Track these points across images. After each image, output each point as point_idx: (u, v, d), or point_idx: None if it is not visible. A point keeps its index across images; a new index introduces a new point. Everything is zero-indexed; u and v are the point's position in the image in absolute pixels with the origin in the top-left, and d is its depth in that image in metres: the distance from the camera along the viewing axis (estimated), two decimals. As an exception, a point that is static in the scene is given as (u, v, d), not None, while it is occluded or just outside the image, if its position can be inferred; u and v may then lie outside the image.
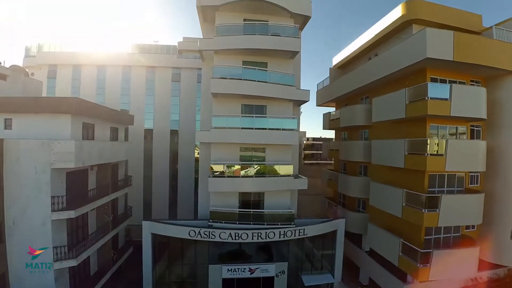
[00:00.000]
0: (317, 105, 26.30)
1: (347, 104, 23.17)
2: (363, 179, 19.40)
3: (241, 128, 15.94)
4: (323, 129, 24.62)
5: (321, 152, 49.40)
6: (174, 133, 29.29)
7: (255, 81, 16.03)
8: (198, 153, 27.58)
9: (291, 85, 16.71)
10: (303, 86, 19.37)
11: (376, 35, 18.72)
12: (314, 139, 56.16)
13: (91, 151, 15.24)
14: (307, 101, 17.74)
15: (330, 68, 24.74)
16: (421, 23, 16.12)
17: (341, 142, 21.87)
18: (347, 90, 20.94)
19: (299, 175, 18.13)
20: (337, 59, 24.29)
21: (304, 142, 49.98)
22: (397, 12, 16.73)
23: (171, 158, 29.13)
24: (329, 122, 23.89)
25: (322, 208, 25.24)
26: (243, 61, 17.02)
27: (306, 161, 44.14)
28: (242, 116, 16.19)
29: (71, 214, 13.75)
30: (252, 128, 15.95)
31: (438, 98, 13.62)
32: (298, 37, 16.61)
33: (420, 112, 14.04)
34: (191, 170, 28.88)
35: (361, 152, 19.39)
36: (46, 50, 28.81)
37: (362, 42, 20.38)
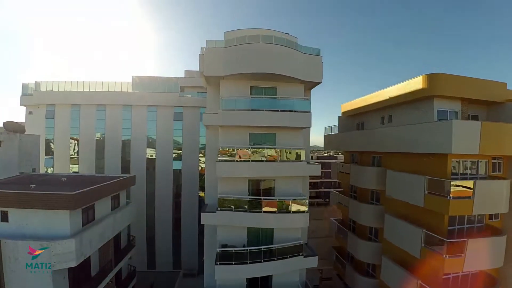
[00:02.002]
0: (324, 149, 25.30)
1: (356, 155, 22.19)
2: (375, 245, 18.74)
3: (248, 210, 15.15)
4: (332, 178, 23.71)
5: (324, 171, 48.40)
6: (176, 172, 28.55)
7: (263, 161, 15.08)
8: (201, 190, 27.05)
9: (300, 161, 15.77)
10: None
11: (392, 98, 17.54)
12: (318, 157, 54.75)
13: (92, 238, 14.65)
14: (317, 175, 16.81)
15: (339, 117, 23.62)
16: (443, 98, 15.06)
17: (351, 200, 21.00)
18: (359, 149, 20.00)
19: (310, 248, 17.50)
20: (346, 107, 23.10)
21: (309, 161, 48.74)
22: (417, 83, 15.49)
23: (173, 195, 28.51)
24: (337, 173, 23.00)
25: (330, 256, 24.69)
26: (250, 133, 16.03)
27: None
28: (248, 199, 15.30)
29: (75, 312, 13.33)
30: (260, 212, 15.15)
31: (460, 198, 12.69)
32: (309, 112, 15.48)
33: (440, 209, 13.18)
34: (194, 208, 28.31)
35: (370, 217, 18.67)
36: (43, 88, 27.69)
37: (375, 99, 19.22)
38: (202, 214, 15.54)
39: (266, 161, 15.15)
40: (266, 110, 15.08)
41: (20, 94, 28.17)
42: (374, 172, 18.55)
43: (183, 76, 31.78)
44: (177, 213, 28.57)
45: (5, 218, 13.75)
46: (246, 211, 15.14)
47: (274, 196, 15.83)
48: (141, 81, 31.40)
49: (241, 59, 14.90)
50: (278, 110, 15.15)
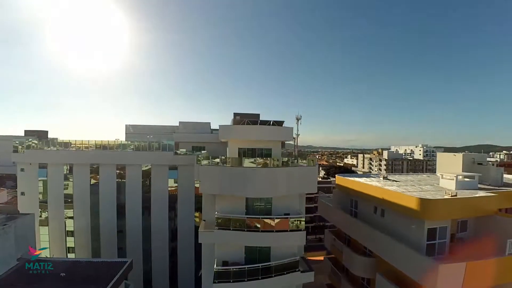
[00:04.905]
0: (318, 212, 25.90)
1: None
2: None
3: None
4: (325, 245, 24.49)
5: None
6: (172, 224, 28.86)
7: (258, 279, 15.59)
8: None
9: (296, 259, 16.39)
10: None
11: (384, 199, 17.90)
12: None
13: None
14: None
15: (334, 190, 23.97)
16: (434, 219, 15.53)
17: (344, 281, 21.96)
18: (351, 235, 20.60)
19: None
20: (340, 181, 23.36)
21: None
22: (409, 202, 15.82)
23: (170, 252, 29.05)
24: (330, 245, 23.76)
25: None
26: (245, 246, 16.39)
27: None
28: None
29: None
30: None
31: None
32: (303, 230, 15.82)
33: None
34: (191, 264, 28.96)
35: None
36: (34, 145, 27.10)
37: (369, 192, 19.55)
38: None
39: (262, 277, 15.64)
40: (261, 231, 15.38)
41: (12, 151, 27.52)
42: (365, 263, 19.29)
43: (177, 125, 31.41)
44: (173, 265, 29.29)
45: None
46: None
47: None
48: (134, 130, 30.97)
49: (235, 183, 14.98)
50: (273, 231, 15.46)
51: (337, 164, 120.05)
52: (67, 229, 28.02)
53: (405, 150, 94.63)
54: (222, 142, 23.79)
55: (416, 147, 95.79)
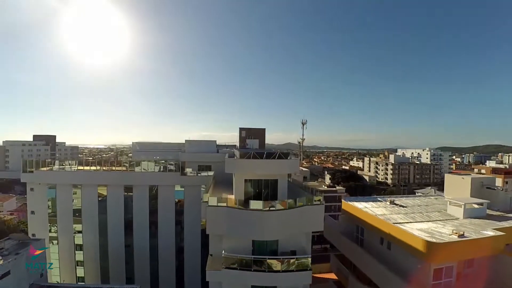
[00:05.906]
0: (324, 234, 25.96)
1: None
2: None
3: None
4: (332, 269, 24.57)
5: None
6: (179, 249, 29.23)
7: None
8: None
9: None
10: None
11: (391, 235, 17.83)
12: (323, 191, 54.68)
13: None
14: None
15: (340, 216, 23.96)
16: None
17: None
18: (356, 264, 20.66)
19: None
20: (347, 207, 23.37)
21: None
22: (416, 243, 15.73)
23: (176, 267, 29.52)
24: (336, 270, 23.84)
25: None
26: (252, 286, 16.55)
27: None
28: None
29: None
30: None
31: None
32: (309, 269, 15.91)
33: None
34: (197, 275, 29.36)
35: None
36: (43, 166, 27.66)
37: (375, 224, 19.52)
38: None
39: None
40: (267, 271, 15.51)
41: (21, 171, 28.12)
42: (370, 294, 19.34)
43: (183, 142, 31.62)
44: (179, 279, 29.74)
45: None
46: None
47: None
48: (141, 148, 31.30)
49: (242, 225, 15.08)
50: (279, 271, 15.57)
51: (343, 167, 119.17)
52: (75, 246, 28.66)
53: (412, 153, 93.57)
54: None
55: (423, 150, 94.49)
